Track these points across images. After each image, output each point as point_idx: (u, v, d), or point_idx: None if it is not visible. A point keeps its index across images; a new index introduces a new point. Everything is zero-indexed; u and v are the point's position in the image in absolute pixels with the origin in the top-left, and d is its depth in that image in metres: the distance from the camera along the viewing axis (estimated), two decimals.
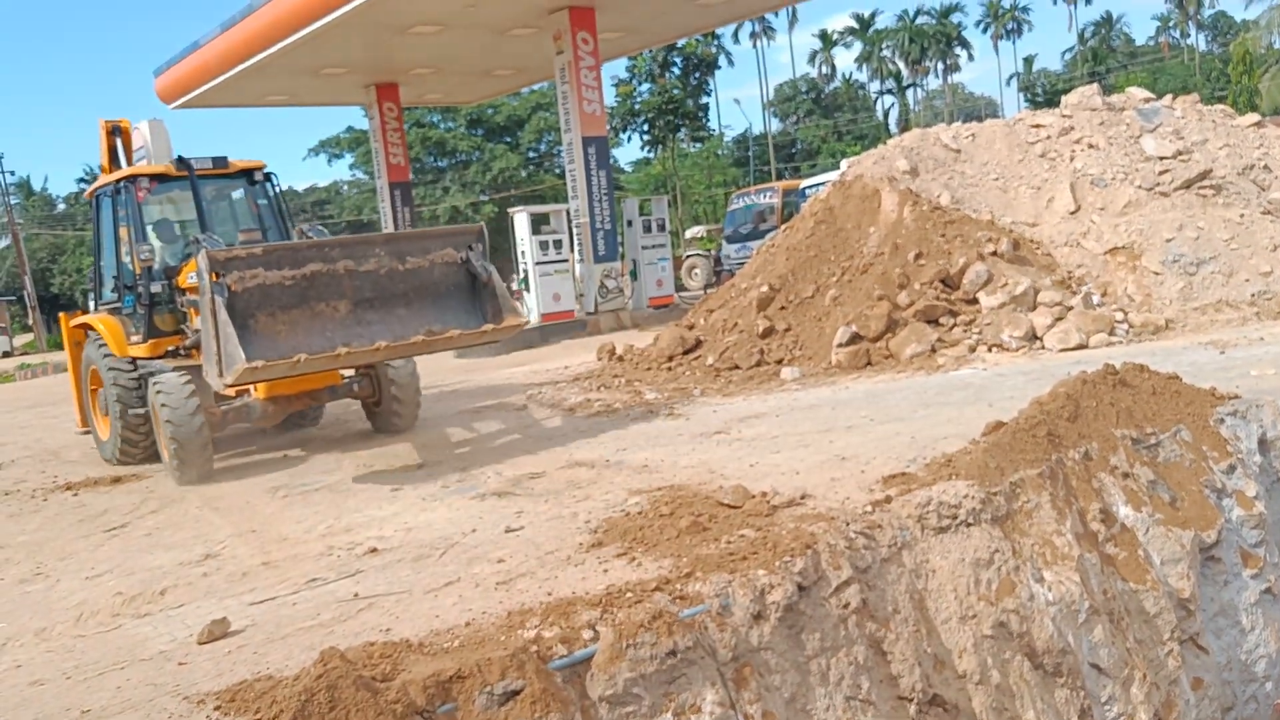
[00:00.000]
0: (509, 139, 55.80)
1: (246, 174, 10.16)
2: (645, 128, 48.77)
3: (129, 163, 10.54)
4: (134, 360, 9.50)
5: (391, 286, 8.25)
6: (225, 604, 4.86)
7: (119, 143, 10.78)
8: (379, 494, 7.05)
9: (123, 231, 9.64)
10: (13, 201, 59.14)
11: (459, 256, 8.58)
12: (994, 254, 10.67)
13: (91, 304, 10.70)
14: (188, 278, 9.00)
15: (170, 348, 9.50)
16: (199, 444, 8.38)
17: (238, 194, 10.45)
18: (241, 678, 3.83)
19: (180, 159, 9.85)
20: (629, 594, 4.18)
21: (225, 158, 9.98)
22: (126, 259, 9.63)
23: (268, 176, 10.21)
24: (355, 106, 28.00)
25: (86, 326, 10.21)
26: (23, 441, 12.69)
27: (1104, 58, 70.66)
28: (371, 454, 8.74)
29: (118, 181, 9.74)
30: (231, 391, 8.48)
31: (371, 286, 8.16)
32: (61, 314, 11.18)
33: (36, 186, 71.34)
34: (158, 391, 8.50)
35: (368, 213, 56.89)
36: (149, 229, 9.67)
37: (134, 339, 9.63)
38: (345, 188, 69.02)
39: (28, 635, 4.77)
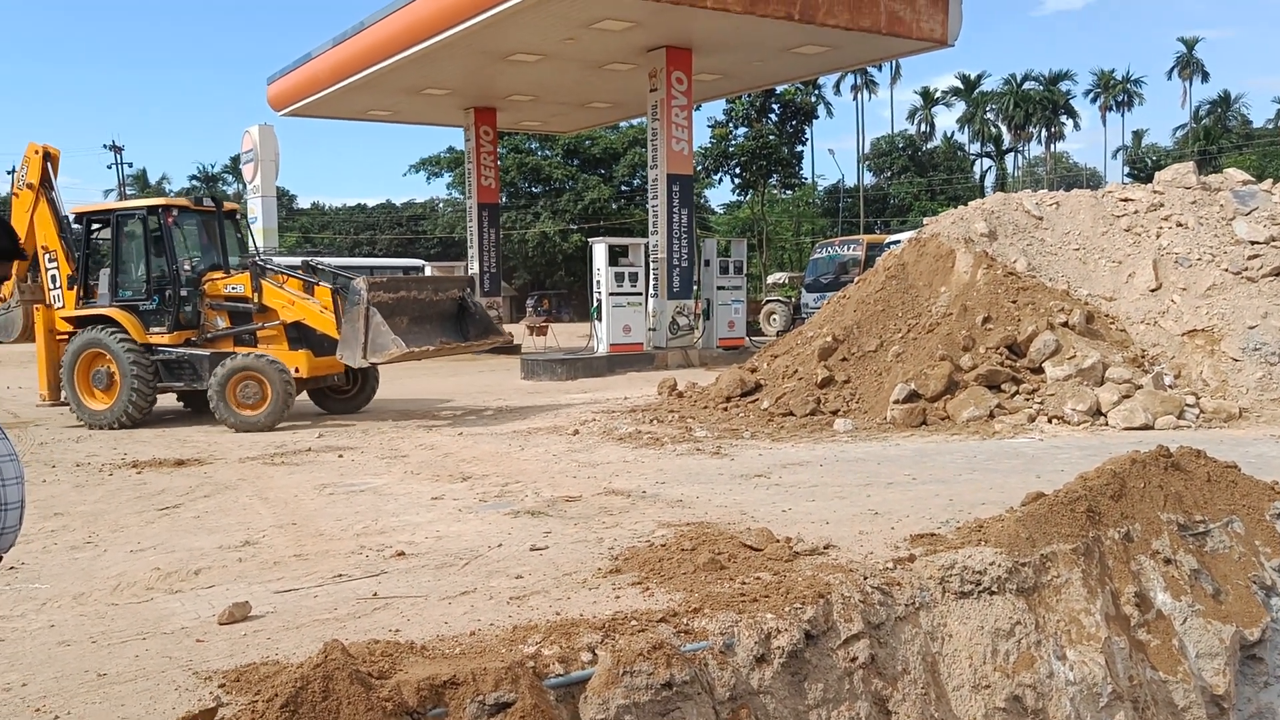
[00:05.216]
0: (603, 171, 56.54)
1: (230, 213, 13.63)
2: (738, 171, 48.94)
3: (53, 185, 13.31)
4: (150, 346, 12.45)
5: (427, 311, 12.60)
6: (252, 589, 5.02)
7: (49, 166, 13.20)
8: (419, 501, 7.21)
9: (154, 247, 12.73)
10: (129, 193, 61.87)
11: (458, 295, 13.14)
12: (1065, 325, 10.48)
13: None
14: (227, 288, 12.62)
15: (191, 338, 12.62)
16: (290, 397, 11.85)
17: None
18: (251, 660, 3.96)
19: (212, 198, 13.66)
20: (634, 622, 4.21)
21: (215, 198, 13.71)
22: (157, 269, 12.65)
23: (242, 215, 14.01)
24: (454, 127, 28.70)
25: (100, 319, 12.67)
26: None
27: (1217, 137, 68.73)
28: (418, 464, 8.94)
29: (148, 208, 12.77)
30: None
31: (419, 309, 12.42)
32: (39, 306, 13.20)
33: (153, 179, 74.44)
34: (270, 363, 11.83)
35: (459, 231, 58.05)
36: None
37: (155, 330, 12.58)
38: (441, 205, 70.61)
39: (66, 598, 4.99)
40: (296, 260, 14.11)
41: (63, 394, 12.83)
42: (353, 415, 13.24)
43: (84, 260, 12.98)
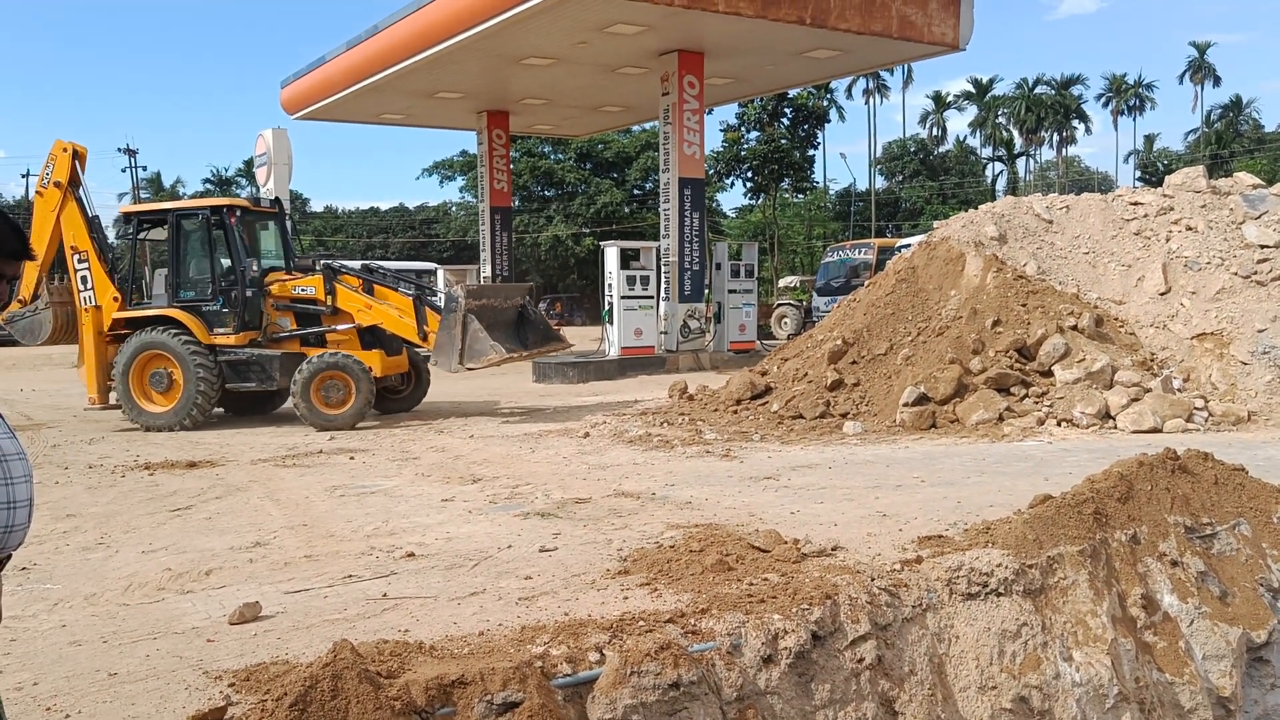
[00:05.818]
0: (615, 175, 56.59)
1: (282, 213, 13.91)
2: (750, 174, 49.00)
3: (81, 183, 13.19)
4: (214, 347, 12.43)
5: (498, 318, 12.71)
6: (263, 590, 5.06)
7: (77, 165, 13.07)
8: (429, 502, 7.25)
9: (217, 247, 12.75)
10: (143, 196, 62.24)
11: (521, 303, 13.44)
12: (1074, 328, 10.48)
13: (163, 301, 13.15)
14: (296, 289, 12.80)
15: (255, 338, 12.66)
16: (372, 396, 12.19)
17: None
18: (261, 660, 4.00)
19: (273, 200, 14.14)
20: (641, 622, 4.24)
21: (278, 199, 14.52)
22: (222, 269, 12.64)
23: (291, 217, 14.18)
24: (467, 131, 28.80)
25: (156, 320, 12.58)
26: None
27: (1228, 141, 68.38)
28: (428, 466, 8.98)
29: (212, 208, 12.78)
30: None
31: (492, 316, 12.50)
32: (89, 308, 13.00)
33: (167, 183, 74.81)
34: (356, 362, 12.11)
35: (472, 235, 58.18)
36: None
37: (220, 331, 12.54)
38: (454, 209, 70.78)
39: (78, 599, 5.04)
40: (356, 264, 14.15)
41: (113, 397, 12.66)
42: (407, 415, 13.56)
43: (133, 261, 13.07)
